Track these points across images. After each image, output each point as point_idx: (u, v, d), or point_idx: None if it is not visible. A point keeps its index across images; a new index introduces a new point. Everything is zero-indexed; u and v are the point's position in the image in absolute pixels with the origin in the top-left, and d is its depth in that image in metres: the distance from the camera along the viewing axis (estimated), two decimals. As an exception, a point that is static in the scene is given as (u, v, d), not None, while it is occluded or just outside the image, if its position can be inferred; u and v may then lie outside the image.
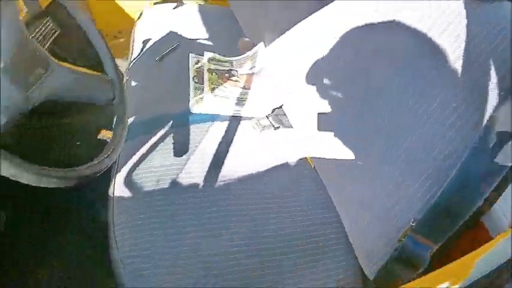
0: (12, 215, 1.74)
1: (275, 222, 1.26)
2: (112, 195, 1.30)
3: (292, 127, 1.48)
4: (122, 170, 1.30)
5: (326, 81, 1.33)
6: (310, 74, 1.38)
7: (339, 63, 1.28)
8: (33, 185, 0.87)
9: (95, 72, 1.16)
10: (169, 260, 1.14)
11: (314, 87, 1.37)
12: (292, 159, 1.43)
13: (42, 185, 0.89)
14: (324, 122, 1.35)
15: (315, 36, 1.38)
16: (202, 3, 2.12)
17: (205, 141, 1.40)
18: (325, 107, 1.32)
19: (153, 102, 1.50)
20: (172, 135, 1.40)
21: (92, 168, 1.04)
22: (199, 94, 1.50)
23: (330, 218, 1.30)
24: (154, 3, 2.10)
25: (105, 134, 1.98)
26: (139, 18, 1.95)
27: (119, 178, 1.31)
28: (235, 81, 1.60)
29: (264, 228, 1.23)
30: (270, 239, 1.22)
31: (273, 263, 1.18)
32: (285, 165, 1.42)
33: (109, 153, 1.11)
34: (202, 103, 1.48)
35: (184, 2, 2.08)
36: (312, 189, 1.37)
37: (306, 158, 1.45)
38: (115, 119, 1.20)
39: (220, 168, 1.36)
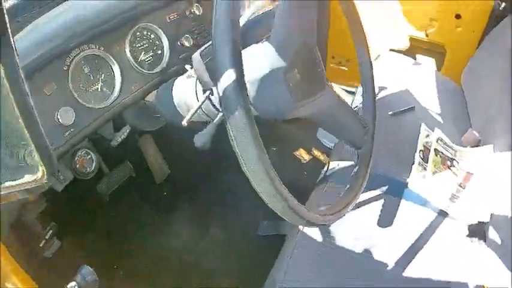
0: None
1: None
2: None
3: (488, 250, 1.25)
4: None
5: None
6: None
7: None
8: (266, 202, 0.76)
9: (356, 112, 1.01)
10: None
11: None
12: (472, 283, 1.19)
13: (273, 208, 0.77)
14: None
15: None
16: (435, 69, 1.91)
17: (409, 223, 1.24)
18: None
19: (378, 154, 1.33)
20: (383, 200, 1.22)
21: (322, 218, 0.89)
22: (421, 171, 1.31)
23: None
24: (390, 50, 1.92)
25: (301, 154, 1.85)
26: (376, 59, 1.78)
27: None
28: (454, 173, 1.38)
29: None
30: None
31: None
32: (463, 285, 1.19)
33: (344, 206, 0.95)
34: (421, 183, 1.29)
35: (419, 62, 1.89)
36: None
37: (483, 285, 1.21)
38: (356, 169, 1.04)
39: (411, 260, 1.18)
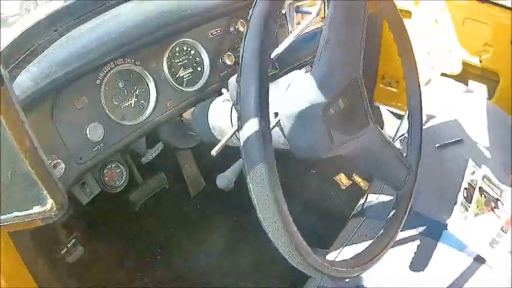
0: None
1: None
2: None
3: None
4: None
5: None
6: None
7: None
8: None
9: (399, 151, 0.90)
10: None
11: None
12: None
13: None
14: None
15: None
16: (487, 97, 1.76)
17: (443, 268, 1.11)
18: None
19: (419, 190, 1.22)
20: (419, 242, 1.11)
21: (346, 271, 0.79)
22: (463, 212, 1.18)
23: None
24: (442, 74, 1.78)
25: (341, 179, 1.75)
26: (427, 83, 1.65)
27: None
28: (497, 216, 1.25)
29: None
30: None
31: None
32: None
33: (372, 258, 0.85)
34: (461, 225, 1.16)
35: (471, 89, 1.74)
36: None
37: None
38: (392, 212, 0.93)
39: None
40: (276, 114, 0.78)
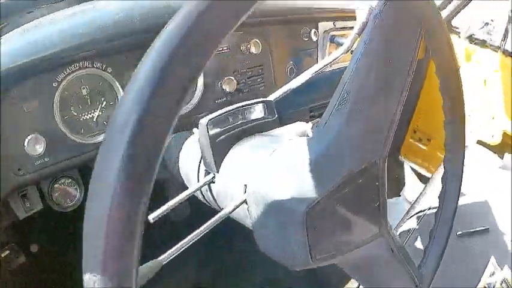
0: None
1: None
2: None
3: None
4: None
5: None
6: None
7: None
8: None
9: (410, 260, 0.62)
10: None
11: None
12: None
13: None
14: None
15: None
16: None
17: None
18: None
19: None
20: None
21: None
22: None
23: None
24: (478, 141, 1.48)
25: None
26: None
27: None
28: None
29: None
30: None
31: None
32: None
33: None
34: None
35: (508, 165, 1.44)
36: None
37: None
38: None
39: None
40: (245, 188, 0.52)
